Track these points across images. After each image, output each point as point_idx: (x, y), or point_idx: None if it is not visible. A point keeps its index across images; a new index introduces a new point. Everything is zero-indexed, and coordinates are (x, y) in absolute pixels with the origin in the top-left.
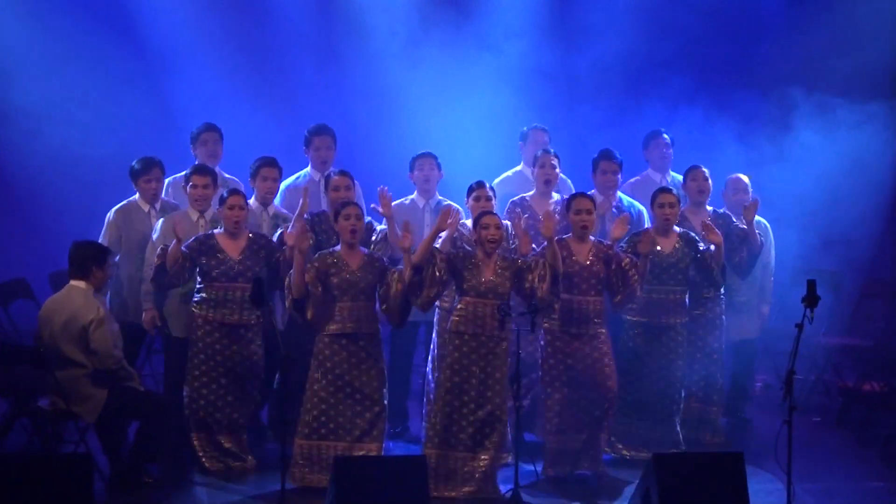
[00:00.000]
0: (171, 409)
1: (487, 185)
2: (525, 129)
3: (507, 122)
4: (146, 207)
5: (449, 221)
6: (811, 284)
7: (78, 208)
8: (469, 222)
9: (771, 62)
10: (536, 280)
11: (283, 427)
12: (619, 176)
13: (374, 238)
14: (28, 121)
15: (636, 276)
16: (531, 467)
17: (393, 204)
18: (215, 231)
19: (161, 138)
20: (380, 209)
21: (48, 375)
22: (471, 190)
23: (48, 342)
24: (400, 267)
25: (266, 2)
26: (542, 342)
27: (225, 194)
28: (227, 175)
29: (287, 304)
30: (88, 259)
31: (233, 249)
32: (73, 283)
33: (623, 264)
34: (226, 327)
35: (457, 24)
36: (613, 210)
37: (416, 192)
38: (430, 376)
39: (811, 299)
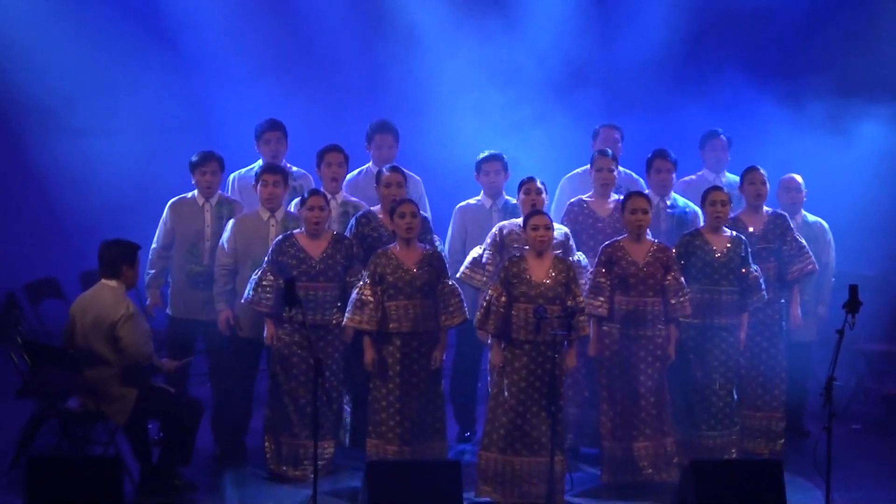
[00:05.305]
0: (202, 409)
1: (538, 180)
2: (597, 126)
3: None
4: (201, 201)
5: None
6: (853, 290)
7: (108, 207)
8: (521, 221)
9: (825, 60)
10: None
11: (315, 429)
12: (674, 175)
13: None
14: (58, 121)
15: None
16: (588, 473)
17: (461, 205)
18: (295, 231)
19: (195, 137)
20: None
21: (77, 375)
22: (521, 184)
23: (78, 340)
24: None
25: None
26: (601, 344)
27: (306, 195)
28: (295, 168)
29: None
30: (118, 258)
31: (313, 249)
32: (103, 281)
33: (668, 279)
34: (307, 328)
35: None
36: (668, 210)
37: (482, 193)
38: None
39: (853, 305)
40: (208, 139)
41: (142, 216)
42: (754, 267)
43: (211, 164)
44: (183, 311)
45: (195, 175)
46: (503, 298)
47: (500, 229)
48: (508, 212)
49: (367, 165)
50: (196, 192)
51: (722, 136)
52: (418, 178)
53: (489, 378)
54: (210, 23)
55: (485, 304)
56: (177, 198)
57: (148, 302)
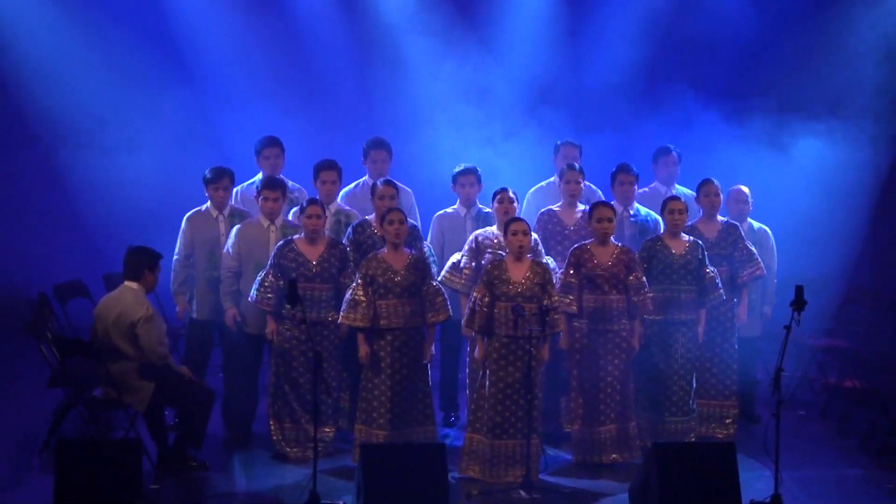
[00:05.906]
0: (213, 398)
1: (510, 190)
2: (558, 142)
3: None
4: (215, 213)
5: None
6: (799, 290)
7: (130, 215)
8: (494, 228)
9: (768, 82)
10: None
11: (316, 414)
12: (636, 187)
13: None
14: (87, 139)
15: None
16: (558, 455)
17: (438, 213)
18: (295, 237)
19: (208, 152)
20: None
21: (101, 368)
22: (495, 194)
23: (102, 336)
24: (436, 284)
25: (299, 24)
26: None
27: (304, 204)
28: (291, 183)
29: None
30: (142, 263)
31: (311, 253)
32: (126, 283)
33: (630, 279)
34: (308, 325)
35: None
36: (631, 218)
37: (458, 203)
38: (468, 369)
39: (799, 303)
40: (219, 154)
41: (161, 223)
42: (711, 268)
43: (223, 181)
44: (203, 313)
45: (208, 190)
46: (486, 299)
47: (476, 237)
48: (481, 219)
49: (363, 178)
50: (209, 204)
51: (673, 152)
52: (409, 189)
53: (468, 369)
54: (220, 51)
55: (470, 304)
56: (192, 211)
57: (177, 309)
